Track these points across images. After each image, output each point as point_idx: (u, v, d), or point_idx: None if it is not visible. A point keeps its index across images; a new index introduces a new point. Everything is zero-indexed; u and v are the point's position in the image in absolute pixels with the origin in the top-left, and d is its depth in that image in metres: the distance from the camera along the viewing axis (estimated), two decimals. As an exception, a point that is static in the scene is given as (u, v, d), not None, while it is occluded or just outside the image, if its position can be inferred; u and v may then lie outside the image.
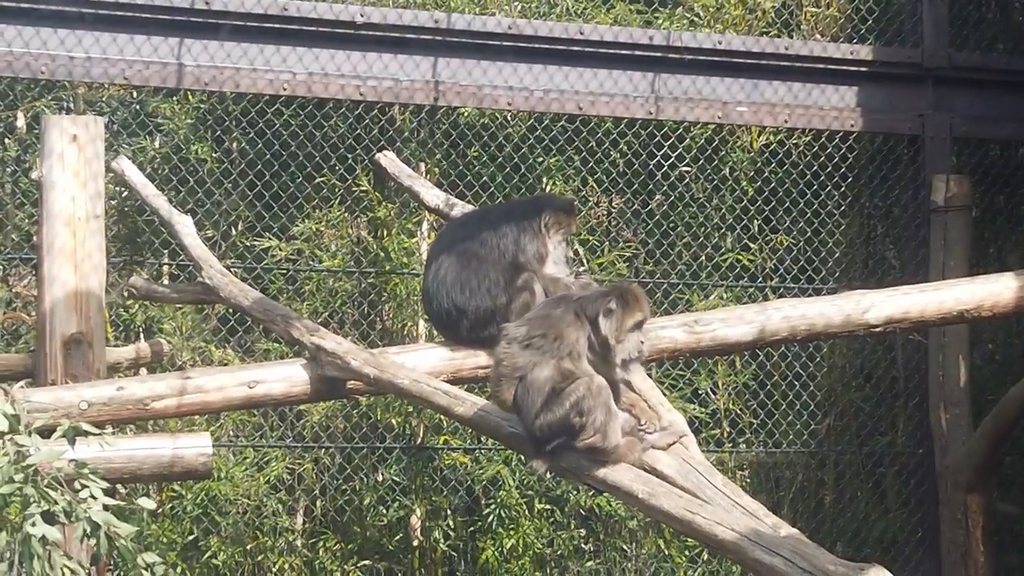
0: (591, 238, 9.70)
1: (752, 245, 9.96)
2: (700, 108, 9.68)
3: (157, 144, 9.30)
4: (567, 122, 9.68)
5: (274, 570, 9.15)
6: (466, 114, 9.58)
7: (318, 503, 9.29)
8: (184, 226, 7.78)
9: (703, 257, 9.90)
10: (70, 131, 7.32)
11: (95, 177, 7.35)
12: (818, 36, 10.21)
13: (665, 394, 7.30)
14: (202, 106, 9.29)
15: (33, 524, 5.63)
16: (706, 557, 9.61)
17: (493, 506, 9.30)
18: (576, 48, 9.48)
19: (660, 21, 9.87)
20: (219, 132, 9.27)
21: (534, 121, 9.66)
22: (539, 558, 9.46)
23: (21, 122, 9.14)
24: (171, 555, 8.78)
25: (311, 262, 9.35)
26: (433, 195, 8.25)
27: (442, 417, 8.77)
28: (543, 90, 9.45)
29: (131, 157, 8.52)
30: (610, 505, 9.44)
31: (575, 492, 9.40)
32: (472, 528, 9.46)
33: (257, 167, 9.20)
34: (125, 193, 8.87)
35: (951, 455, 9.56)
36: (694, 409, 9.59)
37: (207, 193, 9.15)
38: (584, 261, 9.42)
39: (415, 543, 9.35)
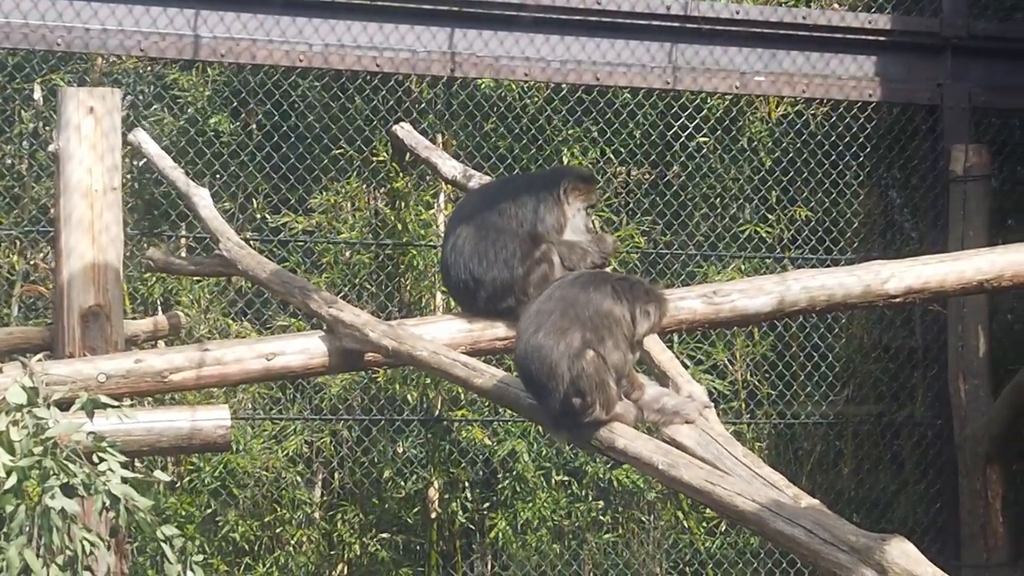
0: (607, 210, 9.66)
1: (770, 216, 9.92)
2: (718, 78, 9.64)
3: (175, 116, 9.28)
4: (584, 93, 9.64)
5: (292, 542, 9.16)
6: (483, 85, 9.55)
7: (336, 476, 9.29)
8: (201, 198, 7.77)
9: (720, 228, 9.87)
10: (87, 103, 7.30)
11: (112, 149, 7.33)
12: (836, 5, 10.15)
13: (684, 366, 7.30)
14: (219, 78, 9.27)
15: (52, 497, 5.64)
16: (724, 528, 9.60)
17: (510, 479, 9.29)
18: (593, 18, 9.44)
19: (677, -10, 9.83)
20: (236, 104, 9.25)
21: (551, 92, 9.62)
22: (557, 530, 9.46)
23: (38, 94, 9.12)
24: (189, 528, 8.77)
25: (329, 234, 9.33)
26: (450, 166, 8.23)
27: (459, 389, 8.76)
28: (560, 61, 9.41)
29: (148, 129, 8.50)
30: (628, 477, 9.42)
31: (593, 464, 9.40)
32: (489, 502, 9.46)
33: (274, 139, 9.18)
34: (142, 165, 8.85)
35: (970, 426, 9.54)
36: (712, 380, 9.57)
37: (224, 165, 9.14)
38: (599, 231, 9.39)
39: (433, 515, 9.35)
